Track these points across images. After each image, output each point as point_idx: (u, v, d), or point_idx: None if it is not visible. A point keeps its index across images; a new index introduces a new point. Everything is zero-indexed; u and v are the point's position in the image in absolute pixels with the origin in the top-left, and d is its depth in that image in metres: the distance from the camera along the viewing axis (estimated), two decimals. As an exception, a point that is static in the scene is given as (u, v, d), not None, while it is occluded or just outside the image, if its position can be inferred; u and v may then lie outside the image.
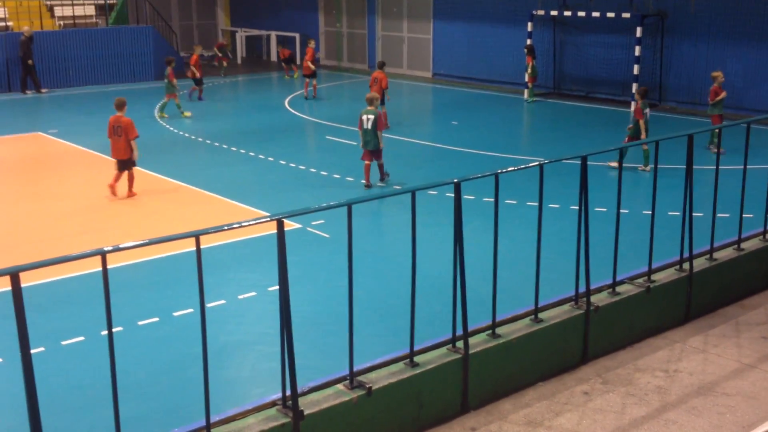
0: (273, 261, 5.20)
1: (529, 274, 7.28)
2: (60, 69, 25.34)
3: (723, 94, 15.34)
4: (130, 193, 13.03)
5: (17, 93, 24.49)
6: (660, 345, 7.59)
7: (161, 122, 19.70)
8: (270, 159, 15.68)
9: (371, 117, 13.18)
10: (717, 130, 13.11)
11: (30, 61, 23.90)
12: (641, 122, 13.80)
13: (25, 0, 26.40)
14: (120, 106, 12.96)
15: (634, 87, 20.87)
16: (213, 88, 25.95)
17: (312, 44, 23.25)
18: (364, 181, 13.47)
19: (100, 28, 26.84)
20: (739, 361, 7.22)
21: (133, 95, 23.86)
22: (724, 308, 8.44)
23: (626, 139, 14.19)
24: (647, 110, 13.97)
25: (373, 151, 13.33)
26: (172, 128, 18.89)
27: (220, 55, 29.47)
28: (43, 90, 24.59)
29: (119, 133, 12.77)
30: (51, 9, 27.17)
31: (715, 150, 8.43)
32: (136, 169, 13.25)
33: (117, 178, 12.93)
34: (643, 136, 13.69)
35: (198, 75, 22.45)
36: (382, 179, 13.63)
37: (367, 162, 13.41)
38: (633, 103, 15.07)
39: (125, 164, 12.92)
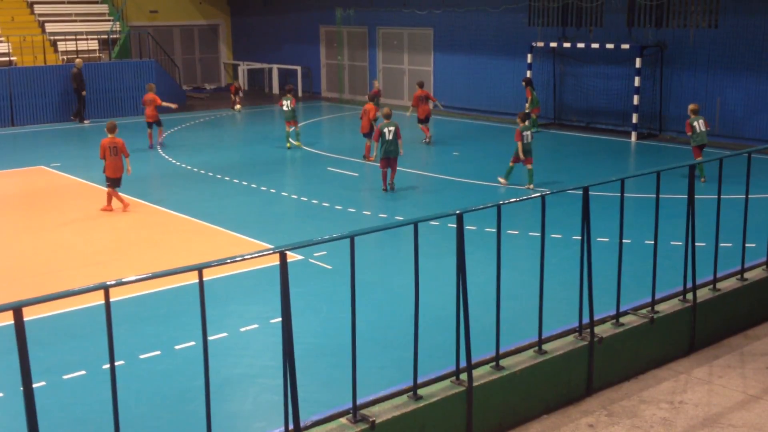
0: (274, 293, 5.19)
1: (532, 305, 7.25)
2: (63, 102, 25.51)
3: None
4: (108, 207, 14.18)
5: (21, 126, 24.63)
6: (664, 376, 7.54)
7: (165, 154, 19.76)
8: (272, 191, 15.72)
9: (392, 129, 15.25)
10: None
11: (83, 92, 25.03)
12: (519, 144, 15.25)
13: (29, 35, 26.63)
14: (112, 129, 14.30)
15: (634, 117, 21.03)
16: (215, 120, 26.11)
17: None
18: (383, 187, 15.47)
19: (103, 63, 27.05)
20: (745, 393, 7.16)
21: (135, 128, 24.00)
22: (729, 339, 8.38)
23: (512, 159, 15.65)
24: (526, 132, 15.31)
25: (394, 158, 15.31)
26: (173, 160, 18.97)
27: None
28: (86, 121, 25.53)
29: (116, 152, 14.12)
30: (54, 44, 27.40)
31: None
32: (141, 203, 13.28)
33: (110, 197, 14.21)
34: (521, 156, 15.33)
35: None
36: (392, 186, 15.61)
37: (384, 169, 15.42)
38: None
39: (118, 181, 14.21)
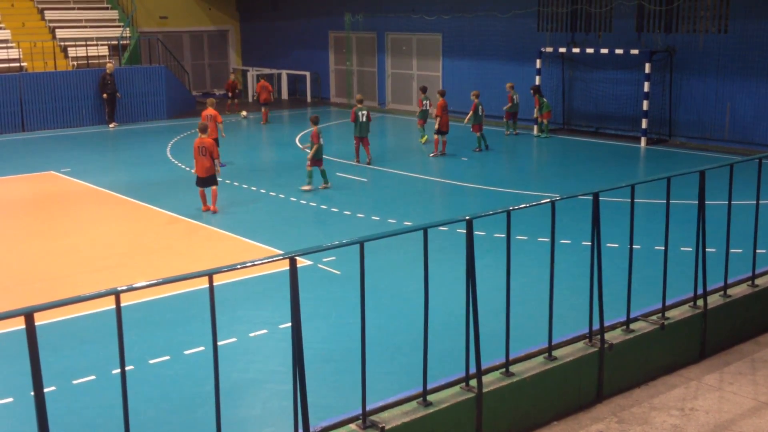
0: (284, 298, 5.20)
1: (541, 310, 7.23)
2: (73, 108, 25.63)
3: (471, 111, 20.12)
4: (214, 209, 14.47)
5: (31, 132, 24.74)
6: (675, 383, 7.50)
7: (174, 160, 19.82)
8: (281, 196, 15.74)
9: (365, 112, 18.26)
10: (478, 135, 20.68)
11: (105, 95, 25.48)
12: (316, 146, 16.02)
13: (39, 41, 26.76)
14: (203, 129, 14.65)
15: (644, 122, 20.99)
16: (224, 125, 26.13)
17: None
18: (356, 160, 18.86)
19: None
20: (756, 399, 7.13)
21: (145, 134, 24.11)
22: (739, 345, 8.34)
23: (310, 163, 16.28)
24: (321, 134, 16.53)
25: (365, 138, 18.40)
26: (183, 166, 19.01)
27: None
28: (112, 125, 25.80)
29: (204, 152, 14.31)
30: (65, 49, 27.51)
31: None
32: (150, 209, 13.30)
33: (203, 195, 14.53)
34: (309, 156, 16.21)
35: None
36: (369, 161, 18.67)
37: (358, 145, 18.71)
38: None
39: (207, 181, 14.39)
